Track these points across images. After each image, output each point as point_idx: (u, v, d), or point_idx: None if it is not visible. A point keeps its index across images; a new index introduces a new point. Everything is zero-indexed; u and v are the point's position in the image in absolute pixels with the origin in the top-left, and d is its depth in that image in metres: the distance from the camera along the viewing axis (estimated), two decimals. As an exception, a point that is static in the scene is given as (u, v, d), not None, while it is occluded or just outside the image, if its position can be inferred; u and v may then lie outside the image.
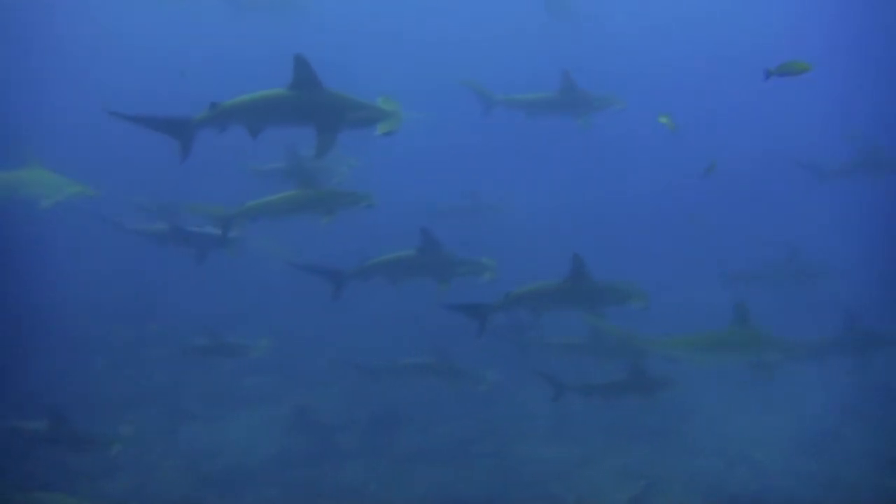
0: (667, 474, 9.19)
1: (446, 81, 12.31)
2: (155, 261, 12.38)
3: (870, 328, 9.68)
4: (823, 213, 16.41)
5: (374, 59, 20.63)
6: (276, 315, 13.08)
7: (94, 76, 20.45)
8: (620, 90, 10.60)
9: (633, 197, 18.60)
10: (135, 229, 11.56)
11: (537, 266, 9.24)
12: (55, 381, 10.84)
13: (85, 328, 12.79)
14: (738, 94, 19.63)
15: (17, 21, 20.13)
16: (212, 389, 11.26)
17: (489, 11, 23.53)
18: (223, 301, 13.50)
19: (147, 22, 22.22)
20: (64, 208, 9.65)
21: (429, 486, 9.20)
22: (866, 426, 10.03)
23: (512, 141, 17.38)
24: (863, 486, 8.74)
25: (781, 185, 17.11)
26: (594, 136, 11.03)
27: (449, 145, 18.97)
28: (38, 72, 20.29)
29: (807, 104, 18.71)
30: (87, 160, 12.17)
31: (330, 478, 9.38)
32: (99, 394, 10.78)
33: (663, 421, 10.38)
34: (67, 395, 9.79)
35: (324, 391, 11.49)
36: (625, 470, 9.35)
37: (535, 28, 20.81)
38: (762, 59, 7.06)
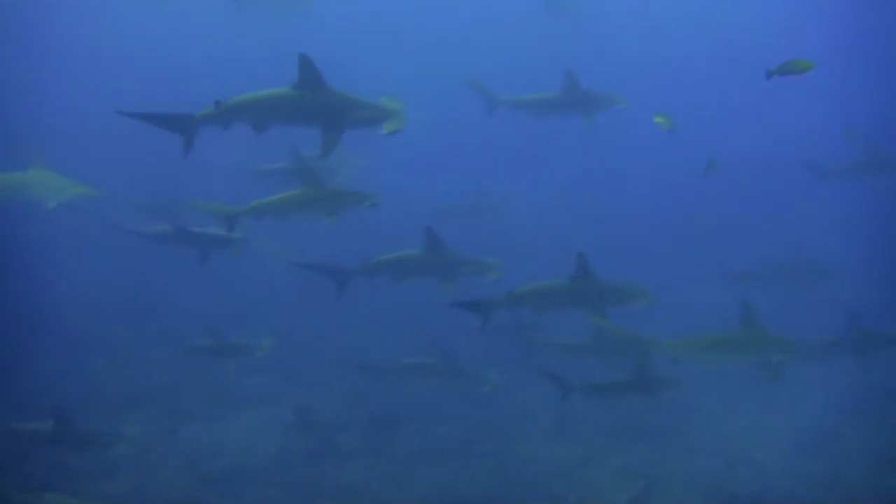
0: (667, 474, 9.19)
1: (447, 81, 12.33)
2: (155, 261, 12.39)
3: (871, 328, 9.68)
4: (823, 213, 16.39)
5: (374, 59, 20.61)
6: (276, 315, 13.07)
7: (94, 76, 20.47)
8: (621, 90, 10.60)
9: (633, 197, 18.57)
10: (135, 230, 11.57)
11: (537, 266, 9.25)
12: (55, 382, 10.83)
13: (85, 328, 12.78)
14: (738, 93, 19.63)
15: (18, 21, 20.10)
16: (212, 389, 11.25)
17: (489, 11, 23.52)
18: (223, 301, 13.49)
19: (147, 22, 22.21)
20: (66, 209, 9.66)
21: (429, 486, 9.20)
22: (866, 426, 10.03)
23: (512, 141, 17.40)
24: (863, 485, 8.73)
25: (782, 185, 17.11)
26: (594, 135, 11.03)
27: (449, 145, 18.96)
28: (38, 72, 20.26)
29: (807, 104, 18.69)
30: (87, 160, 12.15)
31: (330, 478, 9.38)
32: (99, 394, 10.78)
33: (664, 421, 10.38)
34: (67, 396, 9.76)
35: (324, 391, 11.49)
36: (625, 470, 9.35)
37: (536, 28, 20.82)
38: (762, 59, 7.05)
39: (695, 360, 7.63)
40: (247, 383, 11.50)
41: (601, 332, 9.37)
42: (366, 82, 7.92)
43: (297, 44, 7.63)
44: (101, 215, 11.93)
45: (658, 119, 8.14)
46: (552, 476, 9.28)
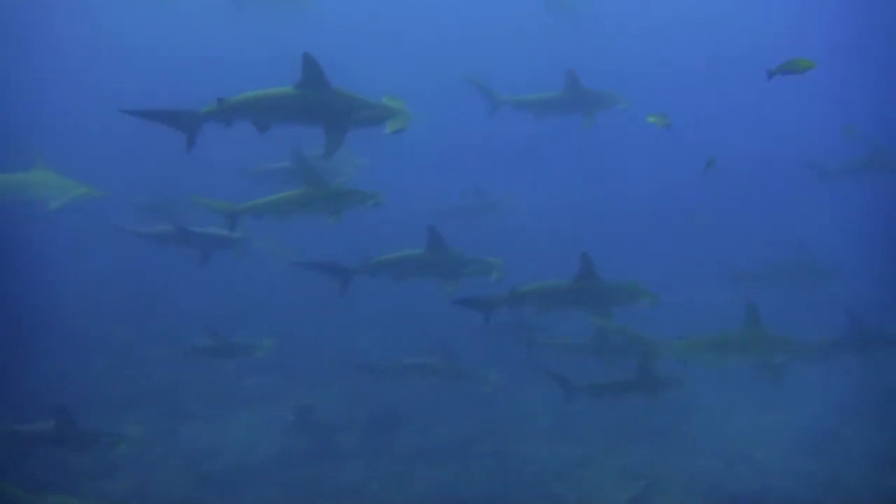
0: (667, 474, 9.19)
1: (447, 81, 12.33)
2: (155, 261, 12.39)
3: (872, 328, 9.68)
4: (824, 213, 16.39)
5: (375, 59, 20.61)
6: (276, 315, 13.07)
7: (94, 77, 20.48)
8: (621, 90, 10.60)
9: (634, 196, 18.57)
10: (136, 231, 11.56)
11: (538, 265, 9.25)
12: (55, 382, 10.83)
13: (85, 328, 12.79)
14: (738, 93, 19.62)
15: (18, 22, 20.09)
16: (212, 389, 11.25)
17: (490, 11, 23.53)
18: (223, 301, 13.49)
19: (147, 22, 22.22)
20: (68, 209, 9.66)
21: (429, 486, 9.20)
22: (866, 426, 10.03)
23: (513, 140, 17.40)
24: (863, 485, 8.73)
25: (782, 185, 17.10)
26: (595, 135, 11.03)
27: (449, 145, 18.96)
28: (38, 73, 20.26)
29: (807, 104, 18.68)
30: (88, 160, 12.16)
31: (330, 478, 9.38)
32: (99, 394, 10.77)
33: (664, 421, 10.38)
34: (67, 395, 9.73)
35: (324, 391, 11.48)
36: (625, 470, 9.35)
37: (536, 28, 20.84)
38: (763, 58, 7.05)
39: (699, 360, 7.61)
40: (247, 383, 11.50)
41: (602, 332, 9.37)
42: (366, 82, 7.91)
43: (297, 44, 7.64)
44: (102, 215, 11.93)
45: (652, 119, 8.13)
46: (552, 476, 9.28)
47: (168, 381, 11.46)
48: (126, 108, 6.91)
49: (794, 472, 9.14)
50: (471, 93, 10.92)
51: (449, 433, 10.33)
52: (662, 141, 10.58)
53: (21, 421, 7.97)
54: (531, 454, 9.82)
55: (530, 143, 17.29)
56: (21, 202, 9.68)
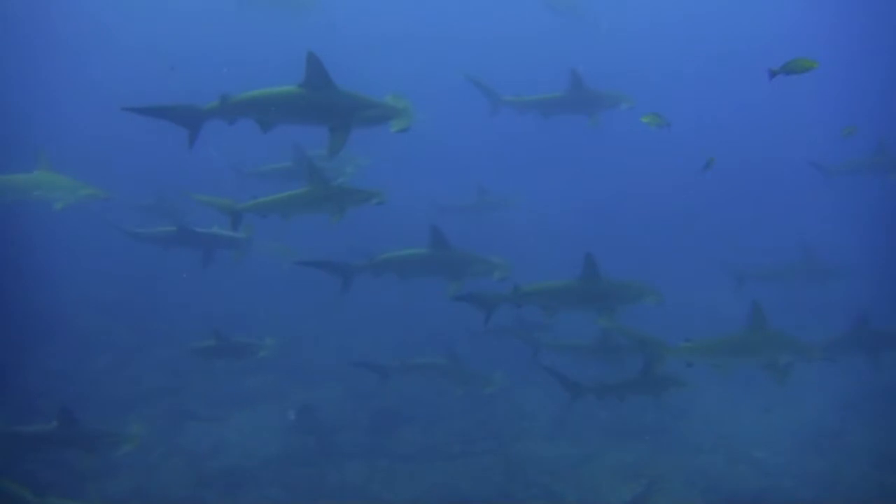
0: (668, 472, 9.20)
1: (448, 81, 12.32)
2: (156, 261, 12.37)
3: (880, 328, 9.68)
4: (830, 213, 16.38)
5: (377, 59, 20.60)
6: (276, 314, 13.06)
7: (94, 77, 20.45)
8: (626, 89, 10.61)
9: (637, 196, 18.54)
10: (139, 233, 11.55)
11: (540, 265, 9.25)
12: (57, 382, 10.84)
13: (86, 328, 12.77)
14: (747, 93, 19.58)
15: (18, 22, 20.06)
16: (213, 389, 11.24)
17: (491, 12, 23.56)
18: (224, 300, 13.47)
19: (147, 22, 22.21)
20: (73, 210, 9.66)
21: (430, 486, 9.21)
22: (867, 424, 10.03)
23: (516, 140, 17.38)
24: (864, 484, 8.74)
25: (791, 185, 17.06)
26: (598, 135, 11.03)
27: (451, 144, 18.95)
28: (39, 73, 20.23)
29: (817, 103, 18.66)
30: (89, 161, 12.16)
31: (331, 477, 9.38)
32: (100, 394, 10.77)
33: (664, 419, 10.40)
34: (69, 396, 9.77)
35: (325, 391, 11.47)
36: (626, 468, 9.36)
37: (538, 28, 20.86)
38: (772, 58, 7.03)
39: (707, 362, 7.60)
40: (248, 383, 11.48)
41: (607, 333, 9.35)
42: (369, 82, 7.91)
43: (299, 44, 7.64)
44: (104, 217, 11.92)
45: (646, 119, 8.12)
46: (553, 475, 9.29)
47: (169, 381, 11.44)
48: (128, 106, 6.91)
49: (795, 470, 9.15)
50: (473, 92, 10.91)
51: (449, 433, 10.32)
52: (667, 141, 10.57)
53: (23, 421, 7.97)
54: (531, 453, 9.82)
55: (534, 143, 17.25)
56: (26, 203, 9.68)
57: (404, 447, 10.06)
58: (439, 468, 9.55)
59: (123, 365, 11.96)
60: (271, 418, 10.65)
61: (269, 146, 9.47)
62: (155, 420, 10.29)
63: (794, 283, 12.96)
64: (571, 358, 9.93)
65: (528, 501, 8.86)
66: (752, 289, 12.02)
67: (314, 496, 8.98)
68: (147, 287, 14.07)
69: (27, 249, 12.83)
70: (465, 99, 11.65)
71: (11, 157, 10.24)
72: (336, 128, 7.11)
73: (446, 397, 10.63)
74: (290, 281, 12.60)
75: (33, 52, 20.37)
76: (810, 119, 18.93)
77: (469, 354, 10.66)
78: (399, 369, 10.28)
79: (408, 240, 9.03)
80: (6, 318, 10.85)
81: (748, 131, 20.22)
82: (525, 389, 10.94)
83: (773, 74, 6.80)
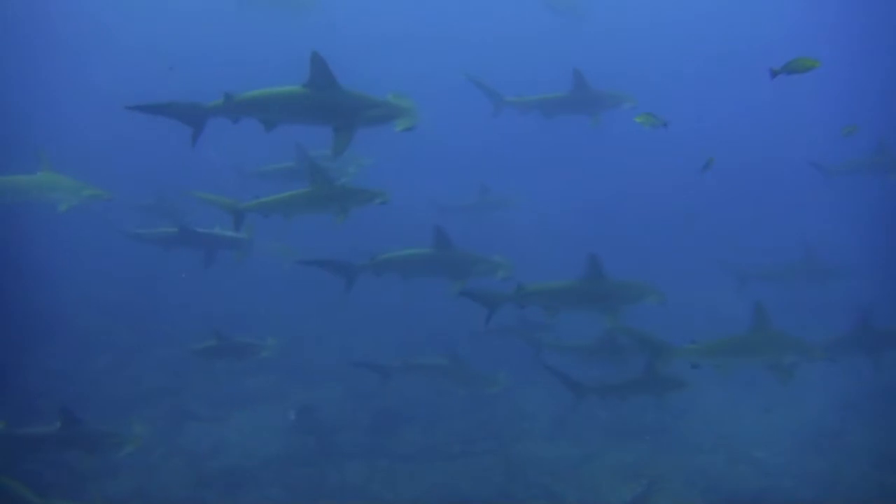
0: (668, 472, 9.20)
1: (450, 81, 12.30)
2: (156, 260, 12.36)
3: (882, 327, 9.68)
4: (832, 213, 16.37)
5: (379, 59, 20.59)
6: (277, 314, 13.05)
7: (94, 77, 20.44)
8: (625, 89, 10.60)
9: (639, 196, 18.54)
10: (141, 235, 11.54)
11: (543, 265, 9.25)
12: (57, 382, 10.83)
13: (87, 328, 12.77)
14: (748, 92, 19.58)
15: (17, 22, 20.05)
16: (214, 390, 11.24)
17: (492, 11, 23.55)
18: (225, 300, 13.47)
19: (148, 22, 22.20)
20: (76, 211, 9.65)
21: (430, 486, 9.20)
22: (867, 424, 10.03)
23: (518, 140, 17.38)
24: (864, 484, 8.74)
25: (789, 185, 17.06)
26: (599, 135, 11.02)
27: (452, 144, 18.94)
28: (38, 73, 20.22)
29: (817, 103, 18.66)
30: (90, 162, 12.14)
31: (331, 478, 9.38)
32: (101, 394, 10.76)
33: (665, 419, 10.39)
34: (69, 396, 9.76)
35: (325, 391, 11.47)
36: (626, 468, 9.36)
37: (538, 28, 20.86)
38: (772, 58, 7.03)
39: (711, 364, 7.59)
40: (249, 383, 11.48)
41: (609, 333, 9.34)
42: (367, 82, 7.90)
43: (298, 44, 7.64)
44: (105, 217, 11.91)
45: (639, 119, 8.10)
46: (553, 475, 9.29)
47: (170, 382, 11.43)
48: (131, 105, 6.89)
49: (795, 470, 9.14)
50: (474, 92, 10.90)
51: (450, 433, 10.32)
52: (667, 141, 10.56)
53: (24, 422, 7.95)
54: (532, 453, 9.82)
55: (534, 143, 17.25)
56: (29, 204, 9.67)
57: (405, 447, 10.06)
58: (439, 468, 9.54)
59: (124, 365, 11.96)
60: (271, 418, 10.65)
61: (271, 146, 9.45)
62: (155, 420, 10.28)
63: (796, 284, 12.94)
64: (573, 358, 9.90)
65: (529, 502, 8.86)
66: (754, 289, 12.04)
67: (314, 496, 8.97)
68: (148, 287, 14.07)
69: (27, 249, 12.82)
70: (465, 99, 11.63)
71: (11, 158, 10.22)
72: (340, 128, 7.10)
73: (447, 397, 10.63)
74: (291, 281, 12.60)
75: (33, 52, 20.34)
76: (810, 119, 18.92)
77: (470, 354, 10.65)
78: (401, 369, 10.26)
79: (409, 239, 9.02)
80: (6, 317, 10.84)
81: (748, 131, 20.22)
82: (526, 390, 10.94)
83: (774, 74, 6.80)
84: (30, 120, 16.75)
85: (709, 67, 22.91)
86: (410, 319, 12.94)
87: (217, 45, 20.78)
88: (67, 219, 10.43)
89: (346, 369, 10.87)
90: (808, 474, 9.06)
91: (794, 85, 8.31)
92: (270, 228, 8.73)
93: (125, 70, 19.64)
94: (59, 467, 8.75)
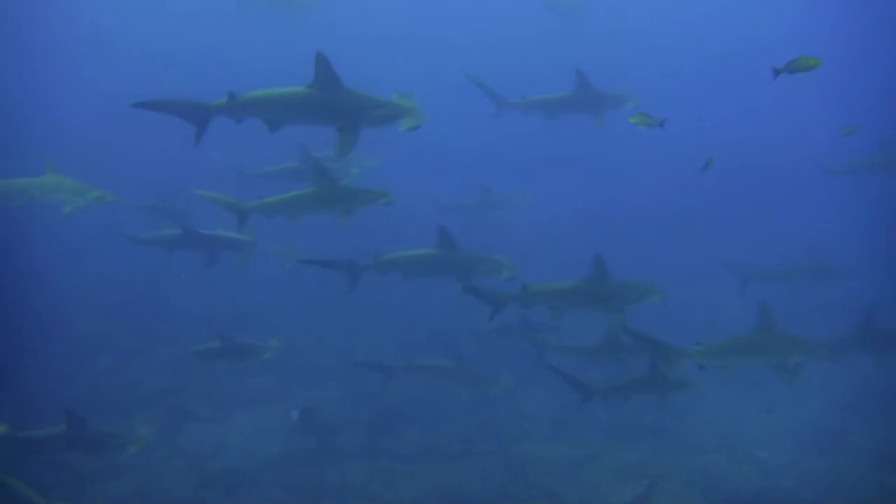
0: (669, 472, 9.21)
1: (452, 81, 12.28)
2: (158, 262, 12.35)
3: (885, 327, 9.68)
4: (834, 213, 16.36)
5: (379, 59, 20.58)
6: (278, 315, 13.04)
7: (93, 79, 20.43)
8: (630, 89, 10.60)
9: (640, 196, 18.53)
10: (144, 238, 11.53)
11: (545, 265, 9.24)
12: (59, 384, 10.82)
13: (88, 329, 12.76)
14: (748, 92, 19.57)
15: (16, 24, 20.05)
16: (215, 390, 11.24)
17: (493, 11, 23.55)
18: (226, 301, 13.46)
19: (148, 22, 22.19)
20: (81, 213, 9.65)
21: (431, 486, 9.21)
22: (868, 424, 10.04)
23: (520, 140, 17.37)
24: (864, 484, 8.75)
25: (792, 185, 17.06)
26: (600, 135, 11.02)
27: (454, 144, 18.94)
28: (36, 75, 20.22)
29: (818, 103, 18.64)
30: (92, 163, 12.14)
31: (332, 478, 9.39)
32: (102, 396, 10.77)
33: (665, 419, 10.38)
34: (71, 398, 9.75)
35: (327, 391, 11.47)
36: (627, 468, 9.37)
37: (538, 28, 20.86)
38: (773, 58, 7.03)
39: (717, 364, 7.59)
40: (250, 384, 11.48)
41: (611, 334, 9.33)
42: (367, 82, 7.89)
43: (298, 44, 7.64)
44: (107, 220, 11.90)
45: (634, 119, 8.09)
46: (554, 475, 9.29)
47: (170, 383, 11.43)
48: (136, 102, 6.86)
49: (796, 470, 9.16)
50: (475, 92, 10.90)
51: (450, 433, 10.32)
52: (667, 141, 10.56)
53: (24, 423, 7.93)
54: (532, 454, 9.83)
55: (536, 143, 17.25)
56: (34, 206, 9.66)
57: (405, 448, 10.06)
58: (440, 469, 9.55)
59: (124, 367, 11.95)
60: (272, 419, 10.65)
61: (274, 147, 9.44)
62: (156, 421, 10.29)
63: (799, 284, 12.92)
64: (576, 359, 9.90)
65: (529, 502, 8.87)
66: (756, 289, 12.03)
67: (315, 497, 8.98)
68: (149, 289, 14.05)
69: (28, 251, 12.81)
70: (466, 99, 11.63)
71: (11, 159, 10.22)
72: (345, 128, 7.09)
73: (447, 398, 10.63)
74: (292, 281, 12.59)
75: (32, 54, 20.34)
76: (811, 119, 18.90)
77: (471, 354, 10.65)
78: (404, 370, 10.25)
79: (411, 239, 9.01)
80: (7, 319, 10.84)
81: (748, 131, 20.21)
82: (527, 390, 10.94)
83: (777, 73, 6.79)
84: (28, 122, 16.75)
85: (709, 67, 22.89)
86: (411, 319, 12.94)
87: (217, 46, 20.77)
88: (68, 220, 10.44)
89: (347, 369, 10.87)
90: (808, 474, 9.07)
91: (795, 85, 8.31)
92: (272, 228, 8.72)
93: (124, 72, 19.62)
94: (60, 468, 8.75)
